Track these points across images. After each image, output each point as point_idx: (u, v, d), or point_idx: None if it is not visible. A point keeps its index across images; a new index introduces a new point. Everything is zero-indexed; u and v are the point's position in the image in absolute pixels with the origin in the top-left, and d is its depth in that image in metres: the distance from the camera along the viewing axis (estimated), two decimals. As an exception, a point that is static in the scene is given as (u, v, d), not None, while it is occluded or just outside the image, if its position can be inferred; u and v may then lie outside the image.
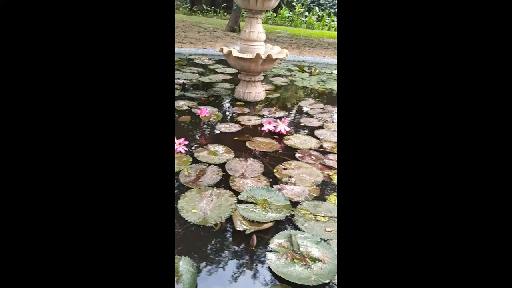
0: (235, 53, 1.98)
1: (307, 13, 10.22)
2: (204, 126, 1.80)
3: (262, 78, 2.27)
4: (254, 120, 1.93)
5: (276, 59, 2.07)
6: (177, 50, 3.84)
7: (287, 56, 2.19)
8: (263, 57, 1.97)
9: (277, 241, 0.96)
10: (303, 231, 1.01)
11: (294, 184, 1.28)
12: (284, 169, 1.39)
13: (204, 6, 10.42)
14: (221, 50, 2.06)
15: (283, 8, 9.99)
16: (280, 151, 1.56)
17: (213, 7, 10.45)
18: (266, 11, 3.06)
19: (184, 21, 7.12)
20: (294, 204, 1.15)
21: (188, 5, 10.58)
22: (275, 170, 1.37)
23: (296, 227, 1.03)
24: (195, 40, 4.96)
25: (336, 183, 1.31)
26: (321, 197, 1.21)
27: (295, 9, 10.13)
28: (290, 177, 1.32)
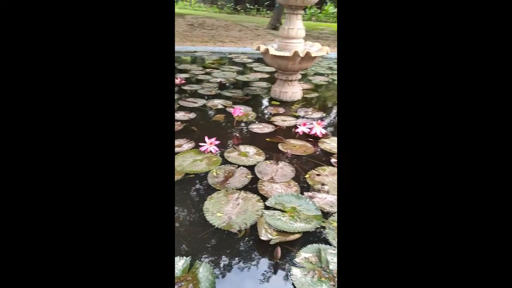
0: (272, 51, 1.92)
1: (353, 9, 9.72)
2: (237, 125, 1.77)
3: (299, 77, 2.18)
4: (289, 121, 1.85)
5: (315, 57, 1.96)
6: (217, 49, 3.90)
7: (327, 53, 2.07)
8: (301, 55, 1.88)
9: (304, 255, 0.88)
10: (334, 247, 0.92)
11: (327, 192, 1.18)
12: (317, 175, 1.30)
13: (247, 4, 10.51)
14: (258, 48, 2.01)
15: (328, 4, 9.65)
16: (315, 154, 1.46)
17: (256, 6, 10.48)
18: (309, 7, 2.93)
19: (226, 20, 7.24)
20: (326, 215, 1.06)
21: (232, 4, 10.76)
22: (307, 176, 1.28)
23: (326, 241, 0.94)
24: (236, 38, 4.99)
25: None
26: (357, 209, 1.10)
27: (340, 4, 9.70)
28: (323, 184, 1.23)
